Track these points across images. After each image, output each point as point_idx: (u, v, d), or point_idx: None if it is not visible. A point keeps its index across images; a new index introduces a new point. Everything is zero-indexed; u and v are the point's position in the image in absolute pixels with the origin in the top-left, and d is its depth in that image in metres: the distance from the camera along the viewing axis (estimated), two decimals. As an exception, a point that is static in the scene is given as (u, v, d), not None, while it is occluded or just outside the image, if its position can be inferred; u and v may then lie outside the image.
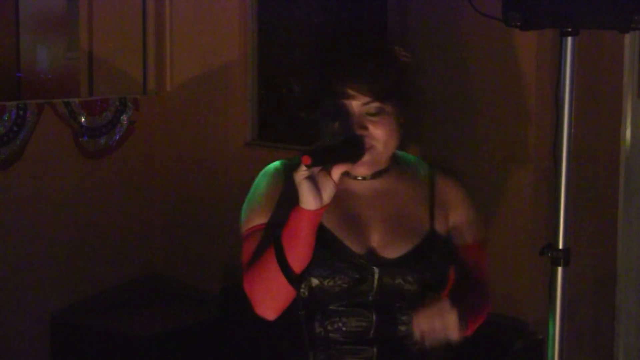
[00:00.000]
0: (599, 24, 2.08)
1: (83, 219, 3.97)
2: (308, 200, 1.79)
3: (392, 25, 3.42)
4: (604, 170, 3.43)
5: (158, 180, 4.21)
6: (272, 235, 1.88)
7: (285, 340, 2.09)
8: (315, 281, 1.94)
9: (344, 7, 3.81)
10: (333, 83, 1.95)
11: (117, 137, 4.06)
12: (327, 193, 1.80)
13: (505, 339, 3.05)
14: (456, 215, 2.04)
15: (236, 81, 3.97)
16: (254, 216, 1.98)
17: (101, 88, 4.40)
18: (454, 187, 2.10)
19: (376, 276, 1.98)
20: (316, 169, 1.77)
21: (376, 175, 2.00)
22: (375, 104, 1.94)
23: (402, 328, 2.03)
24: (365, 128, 1.92)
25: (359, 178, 1.99)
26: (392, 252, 2.00)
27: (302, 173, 1.77)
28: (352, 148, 1.83)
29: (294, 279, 1.85)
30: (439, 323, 1.84)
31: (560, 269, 2.08)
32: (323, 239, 1.91)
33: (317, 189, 1.79)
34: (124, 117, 4.08)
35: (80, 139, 3.92)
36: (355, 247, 1.97)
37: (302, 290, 1.93)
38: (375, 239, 2.01)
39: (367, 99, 1.94)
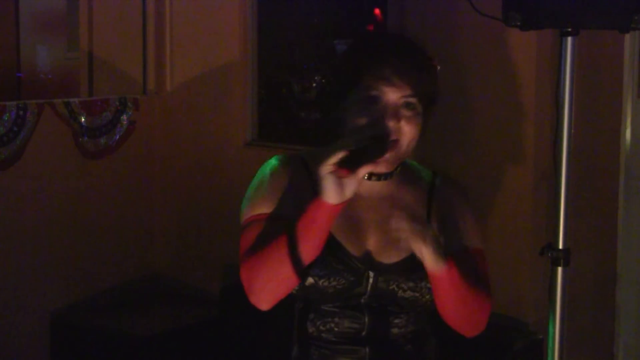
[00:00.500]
0: (599, 24, 2.08)
1: (83, 219, 3.97)
2: (331, 195, 1.80)
3: (392, 25, 3.42)
4: (604, 170, 3.43)
5: (158, 180, 4.21)
6: (278, 226, 1.89)
7: (284, 340, 2.10)
8: (310, 280, 1.94)
9: (344, 7, 3.81)
10: (376, 69, 1.94)
11: (117, 137, 4.06)
12: (350, 189, 1.81)
13: (505, 339, 3.05)
14: (453, 220, 2.03)
15: (236, 81, 3.97)
16: (256, 206, 1.97)
17: (101, 88, 4.41)
18: (454, 193, 2.10)
19: (371, 280, 1.98)
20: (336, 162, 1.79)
21: (380, 177, 1.99)
22: (413, 99, 1.94)
23: (395, 331, 2.03)
24: (399, 119, 1.92)
25: (365, 177, 1.99)
26: (388, 258, 2.00)
27: (327, 168, 1.78)
28: (378, 145, 1.83)
29: (301, 271, 1.85)
30: (419, 229, 1.82)
31: (560, 269, 2.08)
32: None
33: (340, 184, 1.79)
34: (124, 117, 4.08)
35: (80, 139, 3.92)
36: (353, 250, 1.97)
37: (295, 287, 1.93)
38: (372, 243, 2.00)
39: (407, 92, 1.93)
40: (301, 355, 2.03)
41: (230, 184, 3.95)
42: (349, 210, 1.97)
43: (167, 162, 4.20)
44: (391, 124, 1.91)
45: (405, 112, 1.94)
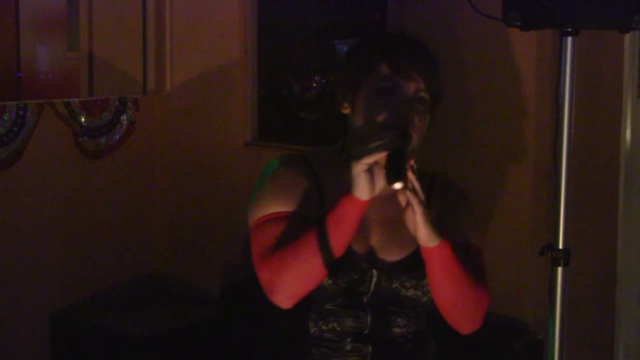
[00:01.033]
0: (599, 24, 2.08)
1: (83, 219, 3.97)
2: (363, 191, 1.83)
3: (392, 25, 3.42)
4: (604, 170, 3.44)
5: (158, 180, 4.21)
6: (297, 223, 1.92)
7: (283, 340, 2.10)
8: None
9: (344, 7, 3.81)
10: (393, 59, 1.96)
11: (117, 137, 4.06)
12: (379, 186, 1.85)
13: (505, 339, 3.05)
14: (452, 219, 2.03)
15: (236, 81, 3.97)
16: (268, 205, 1.98)
17: (101, 88, 4.41)
18: (452, 194, 2.11)
19: (374, 279, 1.99)
20: (372, 162, 1.82)
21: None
22: (425, 94, 1.97)
23: (397, 330, 2.03)
24: (415, 112, 1.94)
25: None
26: (390, 255, 2.01)
27: (361, 166, 1.81)
28: (403, 139, 1.85)
29: (331, 264, 1.87)
30: (418, 200, 1.84)
31: (560, 269, 2.09)
32: None
33: (372, 181, 1.83)
34: (124, 117, 4.08)
35: (80, 139, 3.92)
36: (357, 248, 1.98)
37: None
38: (375, 241, 2.01)
39: (422, 85, 1.96)
40: (302, 355, 2.04)
41: (230, 184, 3.95)
42: None
43: (167, 162, 4.20)
44: (410, 114, 1.94)
45: (419, 107, 1.95)
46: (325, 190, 2.02)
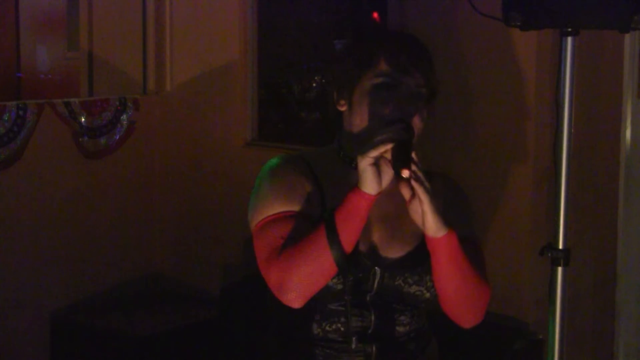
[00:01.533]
0: (599, 24, 2.08)
1: (83, 219, 3.97)
2: (371, 185, 1.84)
3: (392, 25, 3.42)
4: (604, 170, 3.43)
5: (158, 180, 4.21)
6: (303, 221, 1.92)
7: (286, 342, 2.09)
8: None
9: (344, 7, 3.81)
10: (393, 55, 1.97)
11: (117, 137, 4.06)
12: (386, 180, 1.86)
13: (505, 339, 3.05)
14: (450, 213, 2.03)
15: (236, 81, 3.97)
16: (270, 206, 1.98)
17: (101, 88, 4.41)
18: (449, 189, 2.12)
19: (377, 276, 1.98)
20: (378, 156, 1.83)
21: None
22: (424, 89, 1.99)
23: (400, 329, 2.03)
24: (415, 107, 1.95)
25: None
26: (393, 252, 2.01)
27: (368, 160, 1.82)
28: (407, 132, 1.87)
29: (341, 260, 1.86)
30: (425, 189, 1.84)
31: (560, 269, 2.08)
32: None
33: (378, 175, 1.84)
34: (124, 117, 4.08)
35: (80, 139, 3.92)
36: (359, 245, 1.97)
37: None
38: (377, 238, 2.01)
39: (421, 81, 1.98)
40: (305, 356, 2.03)
41: (230, 184, 3.95)
42: None
43: (167, 162, 4.20)
44: (412, 108, 1.95)
45: (417, 102, 1.97)
46: (325, 190, 2.01)
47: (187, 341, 3.80)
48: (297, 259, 1.87)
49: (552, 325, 2.09)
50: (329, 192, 2.01)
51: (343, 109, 2.04)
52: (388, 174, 1.85)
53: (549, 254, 2.09)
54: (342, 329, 2.00)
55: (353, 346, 1.99)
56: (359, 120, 1.99)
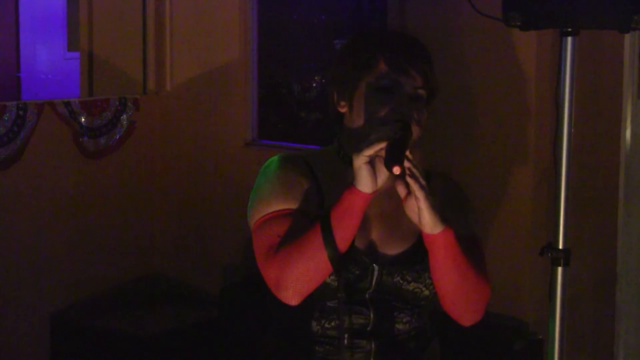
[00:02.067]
0: (599, 24, 2.08)
1: (83, 219, 3.97)
2: (366, 184, 1.84)
3: (392, 25, 3.42)
4: (604, 170, 3.43)
5: (158, 180, 4.21)
6: (301, 219, 1.93)
7: (286, 340, 2.10)
8: None
9: (344, 8, 3.81)
10: (391, 57, 1.98)
11: (117, 137, 4.06)
12: (381, 178, 1.86)
13: (505, 339, 3.05)
14: (449, 210, 2.03)
15: (236, 81, 3.97)
16: (269, 204, 1.98)
17: (101, 88, 4.41)
18: (448, 187, 2.12)
19: (375, 273, 1.99)
20: (374, 155, 1.83)
21: None
22: (422, 91, 1.99)
23: (399, 326, 2.03)
24: (414, 108, 1.96)
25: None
26: (390, 249, 2.02)
27: (362, 158, 1.83)
28: (405, 132, 1.87)
29: (337, 259, 1.87)
30: (421, 185, 1.84)
31: (560, 269, 2.08)
32: None
33: (374, 173, 1.84)
34: (124, 117, 4.08)
35: (80, 139, 3.92)
36: (357, 242, 1.98)
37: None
38: (375, 235, 2.02)
39: (419, 83, 1.98)
40: (305, 353, 2.04)
41: (230, 184, 3.95)
42: None
43: (167, 162, 4.20)
44: (410, 110, 1.96)
45: (417, 103, 1.97)
46: (324, 190, 2.02)
47: (187, 341, 3.80)
48: (293, 257, 1.88)
49: (552, 325, 2.09)
50: (328, 191, 2.01)
51: (343, 109, 2.05)
52: (383, 172, 1.85)
53: (549, 254, 2.09)
54: (341, 326, 2.01)
55: (345, 342, 1.99)
56: (358, 121, 1.99)
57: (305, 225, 1.91)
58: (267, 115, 4.02)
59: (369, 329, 2.01)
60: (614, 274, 3.50)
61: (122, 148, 4.08)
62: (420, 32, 3.28)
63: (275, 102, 4.01)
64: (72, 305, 3.94)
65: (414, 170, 1.84)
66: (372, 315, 2.01)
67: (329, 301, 2.00)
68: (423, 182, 1.85)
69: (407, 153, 1.84)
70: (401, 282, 2.00)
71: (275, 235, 1.93)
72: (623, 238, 3.49)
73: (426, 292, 2.02)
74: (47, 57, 6.93)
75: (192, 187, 4.14)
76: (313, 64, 3.94)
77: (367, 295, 2.00)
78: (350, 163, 1.98)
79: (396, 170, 1.79)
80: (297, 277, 1.88)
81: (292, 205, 1.97)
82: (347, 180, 1.89)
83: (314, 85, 3.94)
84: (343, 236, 1.87)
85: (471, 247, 2.01)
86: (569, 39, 2.04)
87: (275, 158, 2.07)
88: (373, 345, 2.01)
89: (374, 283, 1.99)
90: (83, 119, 3.93)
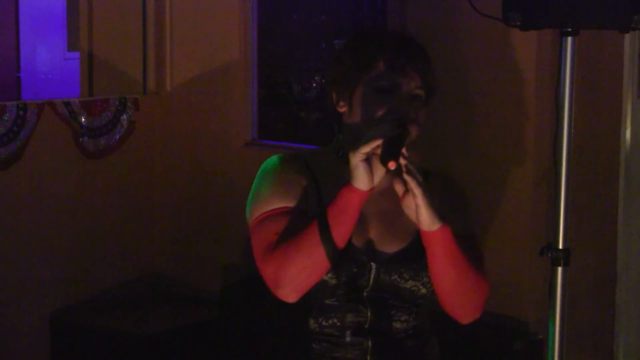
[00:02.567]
0: (599, 24, 2.08)
1: (83, 219, 3.97)
2: (362, 181, 1.85)
3: (392, 25, 3.42)
4: (604, 170, 3.43)
5: (158, 180, 4.21)
6: (299, 217, 1.93)
7: (284, 337, 2.10)
8: None
9: (344, 8, 3.81)
10: (390, 57, 1.98)
11: (117, 137, 4.06)
12: (378, 176, 1.87)
13: (505, 339, 3.05)
14: (447, 208, 2.03)
15: (236, 81, 3.97)
16: (268, 202, 1.99)
17: (101, 88, 4.41)
18: (446, 185, 2.12)
19: (373, 271, 2.00)
20: (371, 153, 1.84)
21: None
22: (421, 91, 1.99)
23: (397, 325, 2.04)
24: (412, 108, 1.96)
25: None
26: (388, 247, 2.02)
27: (359, 156, 1.84)
28: (402, 130, 1.88)
29: (334, 256, 1.88)
30: (419, 182, 1.85)
31: (560, 269, 2.08)
32: None
33: (370, 171, 1.85)
34: (124, 117, 4.08)
35: (80, 139, 3.92)
36: (355, 241, 1.99)
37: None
38: (373, 234, 2.02)
39: (418, 82, 1.98)
40: (302, 350, 2.04)
41: (230, 184, 3.95)
42: None
43: (167, 162, 4.20)
44: (408, 109, 1.96)
45: (415, 103, 1.97)
46: (322, 189, 2.02)
47: (187, 341, 3.80)
48: (290, 254, 1.89)
49: (552, 325, 2.09)
50: (327, 190, 2.01)
51: (342, 109, 2.05)
52: (380, 169, 1.85)
53: (549, 254, 2.09)
54: (338, 323, 2.01)
55: (347, 339, 2.00)
56: (358, 121, 2.00)
57: (303, 223, 1.92)
58: (267, 115, 4.02)
59: (366, 327, 2.02)
60: (614, 274, 3.50)
61: (122, 148, 4.08)
62: (420, 32, 3.28)
63: (275, 102, 4.01)
64: (72, 305, 3.94)
65: (411, 167, 1.85)
66: (369, 314, 2.01)
67: (327, 299, 2.01)
68: (420, 179, 1.85)
69: (404, 151, 1.84)
70: (399, 280, 2.00)
71: (273, 233, 1.94)
72: (623, 238, 3.49)
73: (424, 291, 2.02)
74: (47, 57, 6.93)
75: (192, 187, 4.14)
76: (313, 64, 3.94)
77: (364, 294, 2.01)
78: (349, 162, 1.99)
79: (391, 165, 1.80)
80: (295, 275, 1.89)
81: (291, 203, 1.98)
82: (342, 183, 1.90)
83: (314, 85, 3.94)
84: (340, 233, 1.88)
85: (469, 245, 2.01)
86: (569, 39, 2.04)
87: (274, 158, 2.08)
88: (370, 343, 2.02)
89: (371, 281, 2.00)
90: (83, 119, 3.93)
